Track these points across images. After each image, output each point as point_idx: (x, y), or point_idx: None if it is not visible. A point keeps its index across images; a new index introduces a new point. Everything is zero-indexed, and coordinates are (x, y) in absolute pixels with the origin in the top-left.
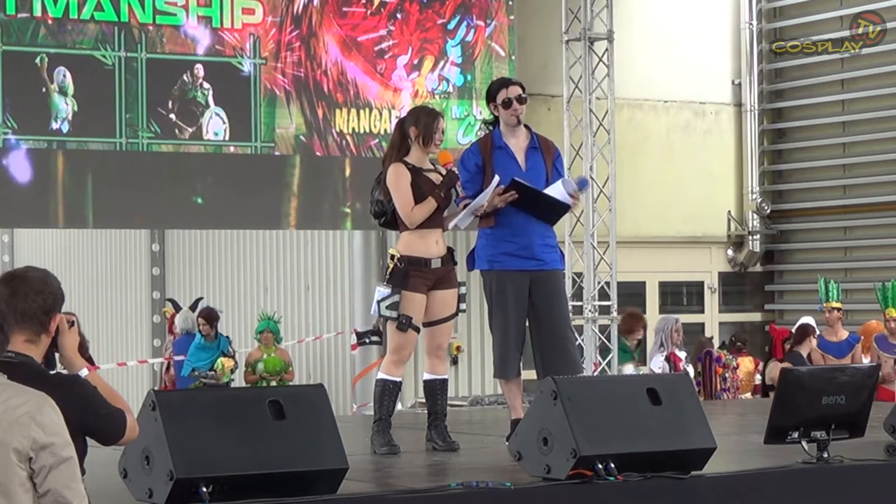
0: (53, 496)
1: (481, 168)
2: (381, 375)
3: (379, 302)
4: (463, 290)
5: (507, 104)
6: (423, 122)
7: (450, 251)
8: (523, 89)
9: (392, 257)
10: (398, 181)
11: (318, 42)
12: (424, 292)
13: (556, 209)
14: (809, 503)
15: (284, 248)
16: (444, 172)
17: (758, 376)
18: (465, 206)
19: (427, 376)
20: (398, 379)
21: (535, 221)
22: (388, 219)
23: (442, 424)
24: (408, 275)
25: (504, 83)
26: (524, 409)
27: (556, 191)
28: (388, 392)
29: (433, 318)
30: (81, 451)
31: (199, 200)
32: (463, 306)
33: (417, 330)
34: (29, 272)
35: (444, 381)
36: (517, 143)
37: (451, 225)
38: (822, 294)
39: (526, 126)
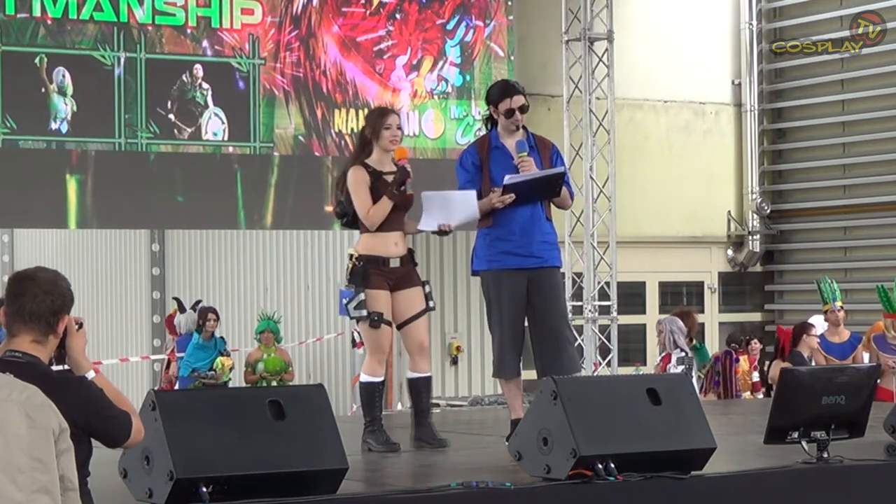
0: (65, 480)
1: (479, 167)
2: (365, 378)
3: (346, 304)
4: (428, 288)
5: (509, 114)
6: (372, 121)
7: (410, 252)
8: (525, 97)
9: (350, 257)
10: (357, 184)
11: (317, 42)
12: (387, 289)
13: (554, 182)
14: (809, 503)
15: (284, 248)
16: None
17: (755, 374)
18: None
19: (411, 374)
20: (382, 378)
21: (534, 219)
22: (350, 220)
23: (428, 422)
24: (367, 273)
25: (507, 91)
26: (524, 409)
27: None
28: (377, 393)
29: (404, 317)
30: (86, 453)
31: (197, 201)
32: (431, 303)
33: (390, 324)
34: (38, 273)
35: (429, 379)
36: (513, 143)
37: (417, 228)
38: (828, 294)
39: (523, 126)
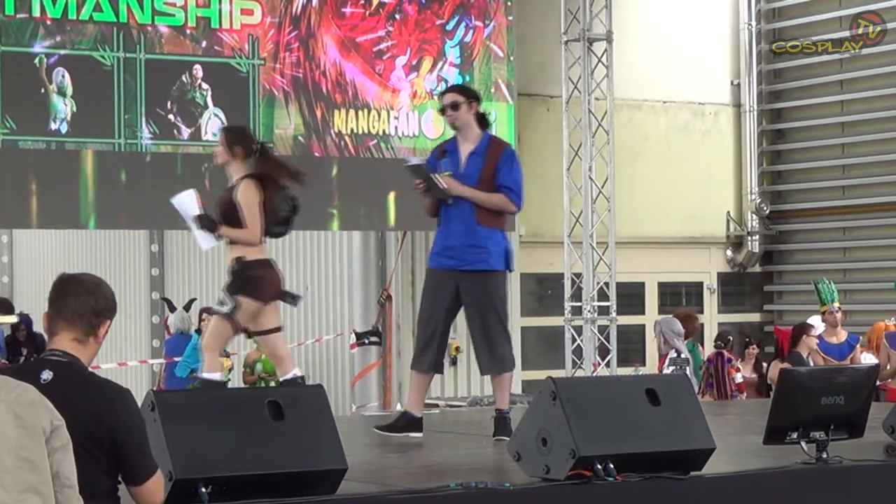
0: (60, 477)
1: (434, 169)
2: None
3: None
4: (220, 295)
5: (442, 112)
6: None
7: (233, 261)
8: (465, 94)
9: None
10: None
11: (316, 43)
12: None
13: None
14: None
15: (283, 248)
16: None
17: (738, 375)
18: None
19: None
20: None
21: (464, 223)
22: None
23: None
24: None
25: (444, 90)
26: (422, 407)
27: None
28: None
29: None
30: (108, 466)
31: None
32: (223, 308)
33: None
34: (82, 275)
35: (296, 379)
36: (465, 148)
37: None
38: (826, 295)
39: (485, 130)
